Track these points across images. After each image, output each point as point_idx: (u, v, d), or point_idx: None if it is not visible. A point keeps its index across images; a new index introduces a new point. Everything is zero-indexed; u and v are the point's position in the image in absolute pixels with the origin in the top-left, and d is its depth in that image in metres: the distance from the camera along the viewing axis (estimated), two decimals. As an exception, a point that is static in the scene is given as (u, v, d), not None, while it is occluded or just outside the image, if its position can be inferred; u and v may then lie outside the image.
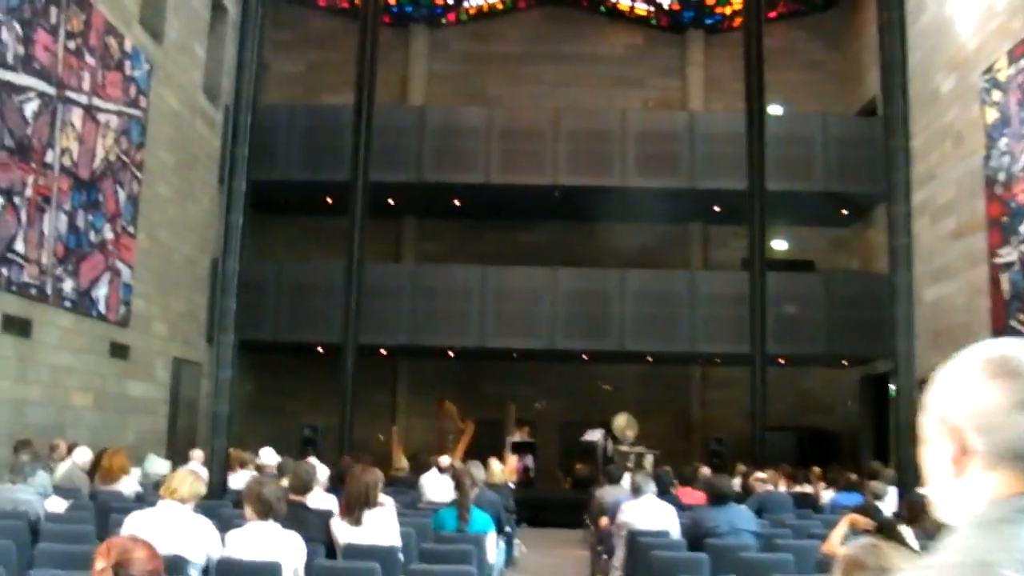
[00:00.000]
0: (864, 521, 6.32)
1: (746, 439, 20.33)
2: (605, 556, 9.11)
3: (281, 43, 23.79)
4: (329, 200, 20.73)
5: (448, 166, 20.01)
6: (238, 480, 10.37)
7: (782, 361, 20.38)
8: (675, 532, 7.72)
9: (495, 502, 8.41)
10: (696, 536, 6.88)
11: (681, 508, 8.78)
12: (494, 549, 7.15)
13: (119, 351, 15.69)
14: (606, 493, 10.03)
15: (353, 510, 6.06)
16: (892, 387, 20.17)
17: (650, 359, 21.42)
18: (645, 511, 7.79)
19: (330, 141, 19.47)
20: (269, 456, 10.87)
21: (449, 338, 19.70)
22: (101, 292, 14.96)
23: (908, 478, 9.60)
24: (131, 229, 15.97)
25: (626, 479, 10.28)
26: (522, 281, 19.92)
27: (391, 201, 21.52)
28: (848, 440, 21.72)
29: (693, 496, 10.86)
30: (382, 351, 21.23)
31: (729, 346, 19.30)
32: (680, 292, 19.72)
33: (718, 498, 7.03)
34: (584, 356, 21.07)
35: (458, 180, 20.04)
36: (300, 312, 19.60)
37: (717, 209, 21.42)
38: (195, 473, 5.67)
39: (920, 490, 6.85)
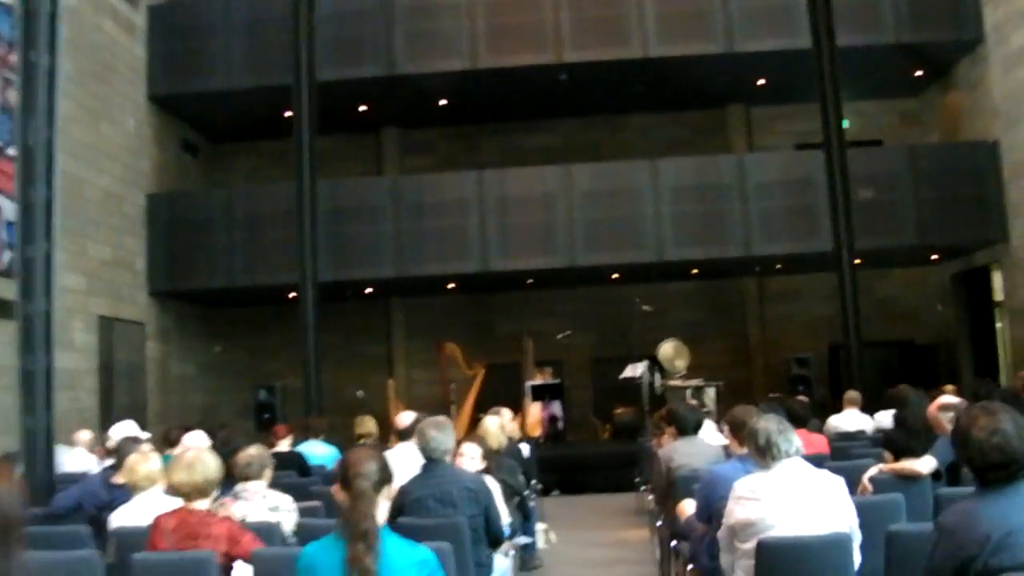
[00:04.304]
0: None
1: (824, 360, 16.84)
2: (692, 566, 5.26)
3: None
4: (289, 114, 16.78)
5: (425, 52, 16.07)
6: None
7: (856, 261, 16.56)
8: (855, 534, 3.87)
9: (476, 490, 4.58)
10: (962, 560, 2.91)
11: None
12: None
13: (7, 309, 11.91)
14: (677, 452, 6.18)
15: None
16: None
17: (696, 271, 17.51)
18: (791, 498, 3.89)
19: (276, 37, 15.52)
20: (120, 432, 7.15)
21: (445, 264, 15.86)
22: (-33, 232, 11.20)
23: None
24: (11, 151, 12.11)
25: (708, 427, 6.39)
26: (529, 185, 16.05)
27: (364, 108, 17.63)
28: (943, 353, 17.85)
29: (811, 442, 6.97)
30: (367, 290, 17.50)
31: (793, 245, 15.57)
32: (727, 182, 15.80)
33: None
34: (614, 275, 17.20)
35: (438, 68, 16.07)
36: (257, 249, 15.84)
37: (761, 82, 17.39)
38: None
39: None
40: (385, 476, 3.18)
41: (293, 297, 15.69)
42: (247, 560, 4.03)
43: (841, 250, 13.20)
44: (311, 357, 12.92)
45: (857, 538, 3.95)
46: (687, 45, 15.93)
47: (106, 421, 14.09)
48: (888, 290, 18.51)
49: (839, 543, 3.78)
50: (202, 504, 4.17)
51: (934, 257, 17.54)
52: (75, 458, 8.86)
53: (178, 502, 4.34)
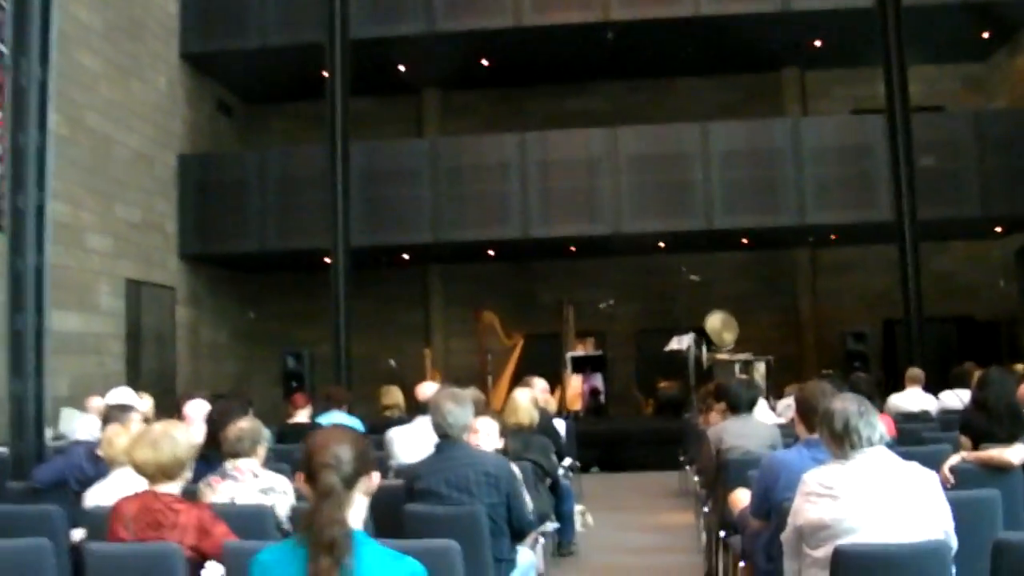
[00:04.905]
0: None
1: (879, 336, 16.16)
2: (744, 563, 4.67)
3: None
4: (325, 73, 16.24)
5: (466, 10, 15.46)
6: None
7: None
8: (951, 541, 3.19)
9: (497, 475, 4.03)
10: None
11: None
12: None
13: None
14: (728, 432, 5.58)
15: None
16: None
17: (746, 240, 16.79)
18: (874, 496, 3.21)
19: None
20: (115, 399, 6.67)
21: (484, 230, 15.31)
22: (-15, 189, 10.74)
23: None
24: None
25: (762, 407, 5.76)
26: (573, 149, 15.44)
27: (403, 68, 17.02)
28: (1005, 330, 17.03)
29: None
30: (404, 256, 16.95)
31: (849, 215, 14.92)
32: (781, 147, 15.08)
33: None
34: (661, 243, 16.53)
35: (481, 26, 15.44)
36: (290, 213, 15.38)
37: (818, 44, 16.54)
38: None
39: None
40: (361, 466, 2.45)
41: (328, 262, 15.23)
42: (217, 556, 3.46)
43: (903, 221, 12.44)
44: (342, 324, 12.43)
45: (952, 546, 3.27)
46: (740, 3, 15.17)
47: (134, 387, 13.71)
48: (946, 264, 17.70)
49: (936, 553, 3.11)
50: (170, 488, 3.56)
51: (998, 230, 16.68)
52: (87, 425, 8.38)
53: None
